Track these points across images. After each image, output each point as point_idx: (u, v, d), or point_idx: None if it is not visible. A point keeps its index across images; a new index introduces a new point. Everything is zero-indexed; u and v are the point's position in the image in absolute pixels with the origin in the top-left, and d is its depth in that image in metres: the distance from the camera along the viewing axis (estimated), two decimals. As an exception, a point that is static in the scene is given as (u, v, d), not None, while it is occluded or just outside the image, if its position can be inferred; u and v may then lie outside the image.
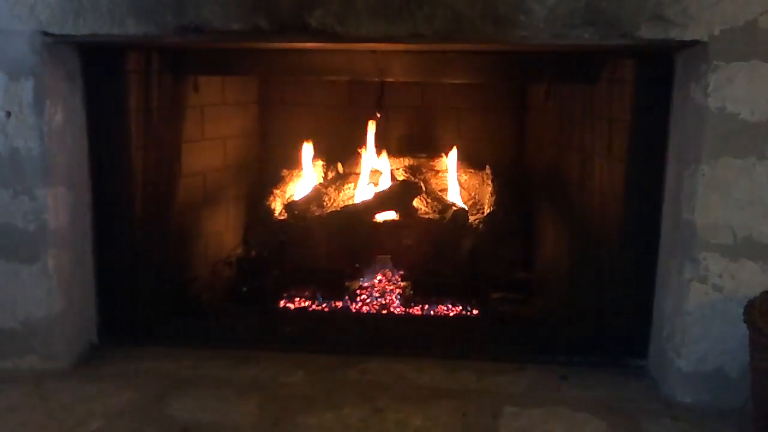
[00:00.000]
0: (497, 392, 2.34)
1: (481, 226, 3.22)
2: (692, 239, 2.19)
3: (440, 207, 3.36)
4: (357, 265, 3.29)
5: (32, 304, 2.40)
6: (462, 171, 3.57)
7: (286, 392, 2.32)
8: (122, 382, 2.37)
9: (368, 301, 3.21)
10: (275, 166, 3.63)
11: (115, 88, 2.53)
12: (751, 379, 2.00)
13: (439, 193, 3.50)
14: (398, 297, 3.21)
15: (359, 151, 3.53)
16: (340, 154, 3.62)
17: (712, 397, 2.24)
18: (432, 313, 3.12)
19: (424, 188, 3.41)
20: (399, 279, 3.30)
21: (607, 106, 2.55)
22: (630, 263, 2.46)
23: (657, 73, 2.34)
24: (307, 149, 3.53)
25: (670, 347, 2.32)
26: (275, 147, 3.78)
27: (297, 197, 3.44)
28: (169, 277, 2.83)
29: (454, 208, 3.32)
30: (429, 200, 3.39)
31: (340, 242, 3.23)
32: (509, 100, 3.73)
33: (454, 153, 3.53)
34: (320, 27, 2.14)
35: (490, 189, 3.35)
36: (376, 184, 3.49)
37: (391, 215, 3.31)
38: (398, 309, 3.16)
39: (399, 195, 3.32)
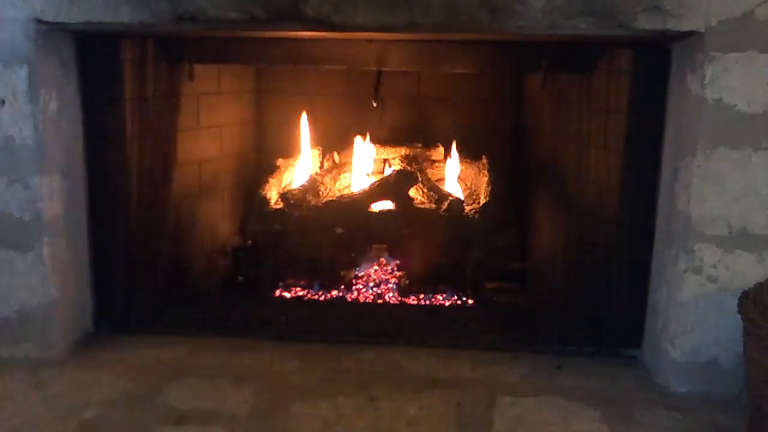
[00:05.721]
0: (492, 381, 2.35)
1: (477, 216, 3.21)
2: (687, 230, 2.19)
3: (436, 197, 3.36)
4: (353, 255, 3.29)
5: (27, 292, 2.40)
6: (458, 161, 3.56)
7: (281, 381, 2.33)
8: (118, 370, 2.37)
9: (364, 290, 3.22)
10: (271, 155, 3.62)
11: (110, 76, 2.51)
12: (744, 369, 2.01)
13: (436, 183, 3.49)
14: (394, 286, 3.21)
15: (356, 140, 3.52)
16: (337, 144, 3.61)
17: (706, 387, 2.25)
18: (427, 302, 3.13)
19: (420, 178, 3.40)
20: (395, 268, 3.30)
21: (604, 96, 2.55)
22: (625, 254, 2.47)
23: (654, 63, 2.34)
24: (304, 139, 3.51)
25: (664, 338, 2.33)
26: (271, 136, 3.78)
27: (293, 186, 3.43)
28: (164, 266, 2.83)
29: (451, 198, 3.32)
30: (425, 190, 3.39)
31: (336, 232, 3.22)
32: (506, 90, 3.72)
33: (450, 143, 3.52)
34: (317, 16, 2.13)
35: (486, 179, 3.34)
36: (370, 174, 3.49)
37: (387, 205, 3.31)
38: (394, 298, 3.16)
39: (395, 185, 3.31)
